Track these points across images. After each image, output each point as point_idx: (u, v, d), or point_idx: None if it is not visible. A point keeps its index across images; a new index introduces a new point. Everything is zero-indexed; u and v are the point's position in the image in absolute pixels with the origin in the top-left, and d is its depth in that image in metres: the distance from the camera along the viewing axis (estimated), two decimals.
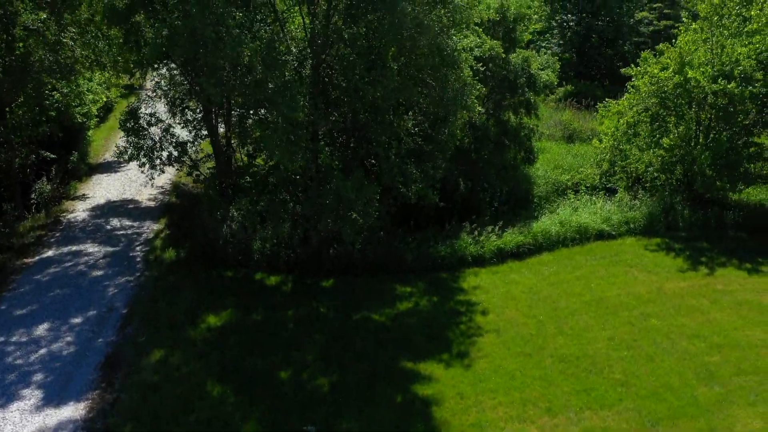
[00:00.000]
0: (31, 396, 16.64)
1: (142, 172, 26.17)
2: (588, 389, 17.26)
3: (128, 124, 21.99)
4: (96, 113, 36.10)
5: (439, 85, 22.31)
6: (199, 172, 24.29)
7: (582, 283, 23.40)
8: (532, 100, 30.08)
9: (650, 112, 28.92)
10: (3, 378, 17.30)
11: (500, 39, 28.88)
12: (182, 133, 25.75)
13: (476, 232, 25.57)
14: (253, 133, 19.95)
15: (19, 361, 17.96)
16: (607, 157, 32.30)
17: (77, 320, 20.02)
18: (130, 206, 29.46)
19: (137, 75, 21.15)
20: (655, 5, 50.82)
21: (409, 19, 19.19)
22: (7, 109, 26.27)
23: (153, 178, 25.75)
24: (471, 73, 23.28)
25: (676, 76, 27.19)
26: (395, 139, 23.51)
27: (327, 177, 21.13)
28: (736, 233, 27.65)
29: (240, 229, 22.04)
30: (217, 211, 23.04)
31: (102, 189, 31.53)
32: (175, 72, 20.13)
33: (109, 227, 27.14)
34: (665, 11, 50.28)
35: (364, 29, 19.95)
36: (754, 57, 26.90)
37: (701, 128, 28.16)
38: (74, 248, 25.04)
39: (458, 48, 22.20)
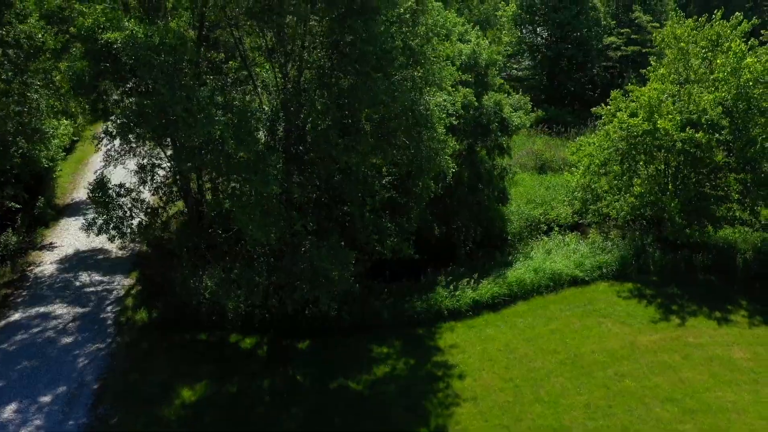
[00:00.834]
0: None
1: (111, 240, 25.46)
2: None
3: (96, 195, 21.50)
4: (62, 150, 35.29)
5: (414, 144, 22.29)
6: (170, 234, 23.90)
7: (557, 337, 23.59)
8: (505, 145, 30.24)
9: (620, 152, 29.34)
10: None
11: (472, 84, 28.95)
12: (153, 198, 25.31)
13: (452, 287, 25.59)
14: (224, 203, 19.68)
15: None
16: (579, 195, 32.70)
17: (47, 398, 19.51)
18: (100, 257, 28.84)
19: (103, 141, 20.64)
20: (622, 30, 51.53)
21: (383, 86, 19.09)
22: None
23: (122, 248, 25.39)
24: (445, 129, 23.30)
25: (645, 123, 27.59)
26: (369, 196, 23.43)
27: (301, 242, 20.94)
28: (706, 276, 28.16)
29: (213, 293, 21.75)
30: (190, 279, 22.69)
31: (70, 236, 30.82)
32: (145, 139, 19.75)
33: (78, 283, 26.52)
34: (632, 36, 51.00)
35: (337, 94, 19.79)
36: (719, 104, 27.42)
37: (669, 173, 28.63)
38: (42, 310, 24.42)
39: (432, 107, 22.21)
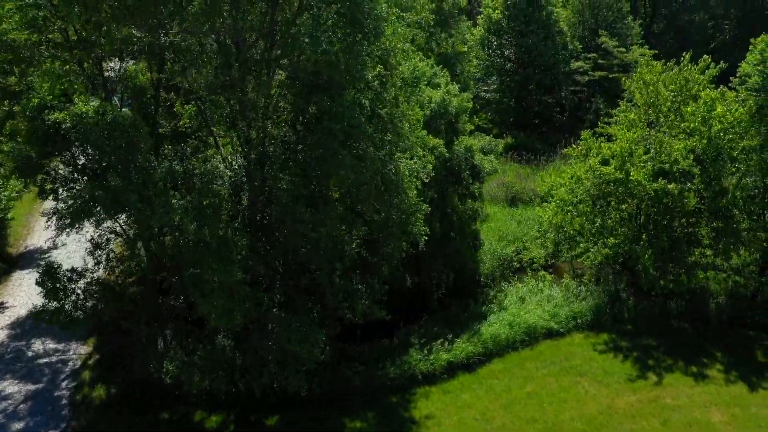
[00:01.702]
0: None
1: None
2: None
3: (46, 284, 20.12)
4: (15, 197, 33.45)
5: (384, 209, 21.46)
6: (129, 304, 22.61)
7: (535, 403, 23.01)
8: (477, 192, 29.62)
9: (592, 197, 29.02)
10: None
11: (443, 131, 28.24)
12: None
13: (426, 350, 24.81)
14: (190, 287, 18.53)
15: None
16: (551, 236, 32.30)
17: None
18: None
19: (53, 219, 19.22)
20: (589, 55, 51.50)
21: (350, 162, 18.21)
22: None
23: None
24: (416, 191, 22.51)
25: (618, 172, 27.24)
26: (338, 260, 22.52)
27: (268, 319, 19.92)
28: (680, 324, 27.96)
29: (174, 377, 20.59)
30: (150, 360, 21.47)
31: (23, 293, 29.18)
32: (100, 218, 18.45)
33: (30, 353, 25.01)
34: (600, 61, 51.00)
35: (302, 165, 18.82)
36: (691, 151, 27.20)
37: (641, 220, 28.36)
38: None
39: (403, 169, 21.41)
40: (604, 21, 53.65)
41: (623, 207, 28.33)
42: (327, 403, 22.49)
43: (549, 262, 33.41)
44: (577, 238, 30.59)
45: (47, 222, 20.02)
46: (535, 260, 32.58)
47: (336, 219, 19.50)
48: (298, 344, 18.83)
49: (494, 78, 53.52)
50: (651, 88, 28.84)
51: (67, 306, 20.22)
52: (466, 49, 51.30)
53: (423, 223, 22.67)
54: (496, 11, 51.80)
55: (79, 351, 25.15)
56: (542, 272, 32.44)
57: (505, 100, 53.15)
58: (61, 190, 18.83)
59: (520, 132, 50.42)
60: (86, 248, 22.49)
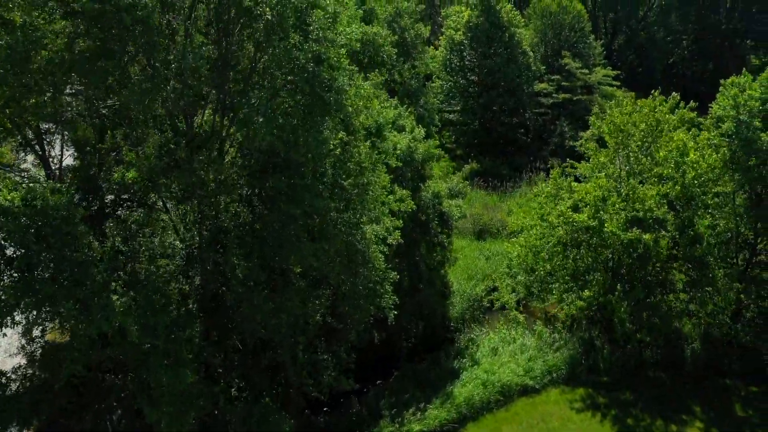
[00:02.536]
0: None
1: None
2: None
3: None
4: None
5: (350, 282, 19.98)
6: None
7: None
8: (446, 242, 28.38)
9: (564, 243, 28.10)
10: None
11: (408, 179, 26.89)
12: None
13: (397, 423, 23.41)
14: (136, 393, 16.68)
15: None
16: (522, 279, 31.32)
17: None
18: None
19: None
20: (553, 77, 50.90)
21: (311, 250, 16.66)
22: None
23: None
24: (383, 260, 21.08)
25: (591, 220, 26.32)
26: (301, 333, 20.95)
27: (226, 413, 18.23)
28: (656, 373, 27.22)
29: None
30: None
31: None
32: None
33: None
34: (563, 83, 50.43)
35: (260, 248, 17.19)
36: (664, 196, 26.45)
37: (614, 267, 27.54)
38: None
39: (369, 236, 19.96)
40: (566, 41, 53.18)
41: (597, 254, 27.43)
42: None
43: (521, 303, 32.48)
44: (550, 283, 29.63)
45: None
46: (507, 305, 31.53)
47: (298, 298, 17.92)
48: None
49: (458, 99, 52.51)
50: (621, 130, 28.03)
51: None
52: (433, 69, 50.21)
53: (392, 291, 21.24)
54: (459, 32, 50.79)
55: None
56: (514, 312, 31.43)
57: (468, 122, 52.20)
58: None
59: (485, 157, 49.48)
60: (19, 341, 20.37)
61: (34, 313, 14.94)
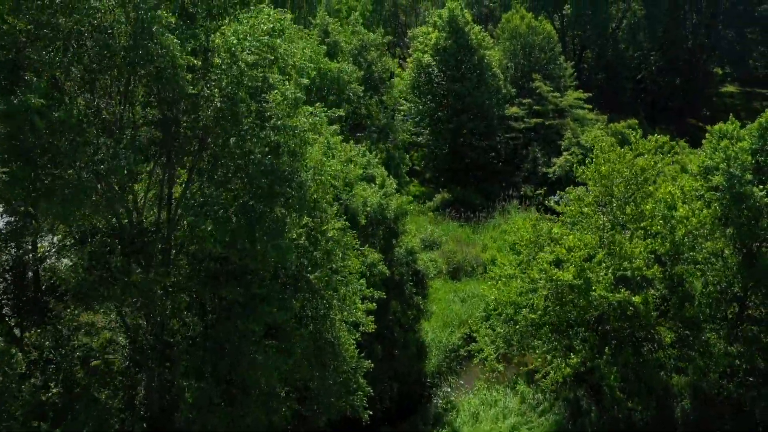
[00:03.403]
0: None
1: None
2: None
3: None
4: None
5: (318, 377, 17.78)
6: None
7: None
8: (422, 305, 26.37)
9: (546, 301, 26.33)
10: None
11: (380, 238, 24.80)
12: None
13: None
14: None
15: None
16: (500, 331, 29.48)
17: None
18: None
19: None
20: (524, 101, 49.38)
21: (275, 363, 14.41)
22: None
23: None
24: (356, 348, 18.93)
25: (577, 279, 24.58)
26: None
27: None
28: None
29: None
30: None
31: None
32: None
33: None
34: (535, 108, 48.95)
35: (212, 364, 14.85)
36: (651, 252, 24.92)
37: (600, 331, 25.93)
38: None
39: (340, 329, 17.79)
40: (537, 63, 51.78)
41: (583, 311, 25.74)
42: None
43: (500, 357, 30.69)
44: (532, 335, 27.85)
45: None
46: (486, 360, 29.65)
47: (261, 411, 15.65)
48: None
49: (427, 121, 50.56)
50: (605, 177, 26.42)
51: None
52: (400, 92, 48.16)
53: (365, 383, 19.11)
54: (426, 55, 48.91)
55: None
56: (494, 365, 29.61)
57: (438, 147, 50.26)
58: None
59: (456, 184, 47.66)
60: None
61: None
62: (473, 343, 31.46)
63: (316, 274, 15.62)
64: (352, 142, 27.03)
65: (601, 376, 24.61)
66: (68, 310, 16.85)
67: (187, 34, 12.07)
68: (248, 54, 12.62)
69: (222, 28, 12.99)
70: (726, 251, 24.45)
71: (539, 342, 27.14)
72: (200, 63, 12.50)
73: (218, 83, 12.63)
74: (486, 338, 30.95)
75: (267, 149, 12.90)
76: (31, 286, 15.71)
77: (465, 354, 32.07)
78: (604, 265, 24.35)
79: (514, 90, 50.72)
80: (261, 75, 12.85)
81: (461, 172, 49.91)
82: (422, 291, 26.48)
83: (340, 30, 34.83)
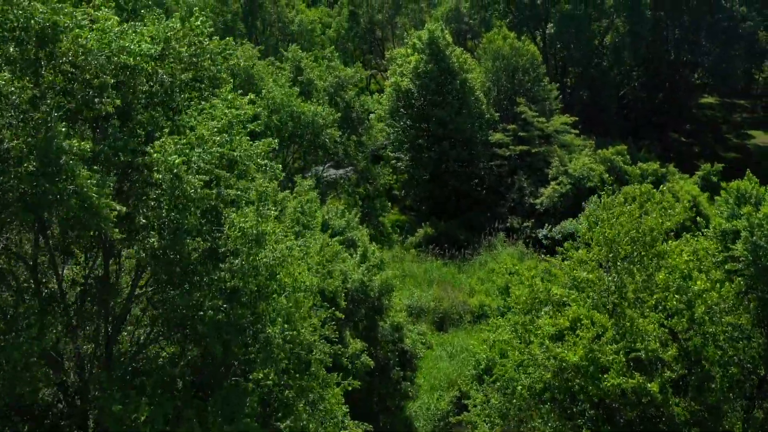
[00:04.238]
0: None
1: None
2: None
3: None
4: None
5: None
6: None
7: None
8: (411, 391, 23.56)
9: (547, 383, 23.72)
10: None
11: (363, 318, 21.90)
12: None
13: None
14: None
15: None
16: (496, 403, 26.79)
17: None
18: None
19: None
20: (509, 127, 46.80)
21: None
22: None
23: None
24: None
25: (583, 360, 21.97)
26: None
27: None
28: None
29: None
30: None
31: None
32: None
33: None
34: (520, 134, 46.43)
35: None
36: (662, 325, 22.43)
37: (607, 408, 23.35)
38: None
39: None
40: (521, 86, 49.28)
41: (591, 395, 23.17)
42: None
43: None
44: (532, 414, 25.25)
45: None
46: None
47: None
48: None
49: (406, 147, 47.70)
50: (611, 241, 23.86)
51: None
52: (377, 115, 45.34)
53: None
54: (405, 79, 46.07)
55: None
56: None
57: (417, 175, 47.41)
58: None
59: (439, 219, 44.84)
60: None
61: None
62: (465, 413, 28.85)
63: (287, 423, 12.58)
64: (331, 198, 24.07)
65: None
66: None
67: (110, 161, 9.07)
68: (195, 175, 9.66)
69: (162, 138, 9.98)
70: (748, 327, 22.09)
71: (539, 421, 24.56)
72: (126, 209, 9.47)
73: (156, 213, 9.65)
74: (479, 409, 28.34)
75: (220, 301, 9.94)
76: None
77: (455, 420, 29.40)
78: (616, 345, 21.77)
79: (498, 114, 48.15)
80: (212, 202, 9.92)
81: (443, 201, 47.26)
82: (410, 371, 23.67)
83: (314, 65, 31.74)
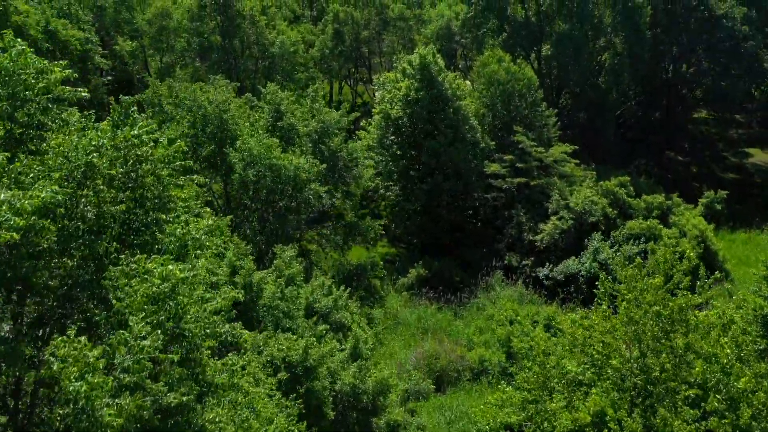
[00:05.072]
0: None
1: None
2: None
3: None
4: None
5: None
6: None
7: None
8: None
9: None
10: None
11: (354, 422, 18.81)
12: None
13: None
14: None
15: None
16: None
17: None
18: None
19: None
20: (505, 157, 43.90)
21: None
22: None
23: None
24: None
25: None
26: None
27: None
28: None
29: None
30: None
31: None
32: None
33: None
34: (518, 165, 43.56)
35: None
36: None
37: None
38: None
39: None
40: (517, 112, 46.41)
41: None
42: None
43: None
44: None
45: None
46: None
47: None
48: None
49: (396, 178, 44.65)
50: (635, 322, 21.04)
51: None
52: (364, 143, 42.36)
53: None
54: (395, 108, 43.04)
55: None
56: None
57: (409, 206, 44.40)
58: None
59: (433, 257, 41.78)
60: None
61: None
62: None
63: None
64: (316, 273, 21.00)
65: None
66: None
67: None
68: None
69: None
70: None
71: None
72: None
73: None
74: None
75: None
76: None
77: None
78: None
79: (494, 143, 45.24)
80: None
81: (437, 235, 44.24)
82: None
83: (295, 107, 28.57)
